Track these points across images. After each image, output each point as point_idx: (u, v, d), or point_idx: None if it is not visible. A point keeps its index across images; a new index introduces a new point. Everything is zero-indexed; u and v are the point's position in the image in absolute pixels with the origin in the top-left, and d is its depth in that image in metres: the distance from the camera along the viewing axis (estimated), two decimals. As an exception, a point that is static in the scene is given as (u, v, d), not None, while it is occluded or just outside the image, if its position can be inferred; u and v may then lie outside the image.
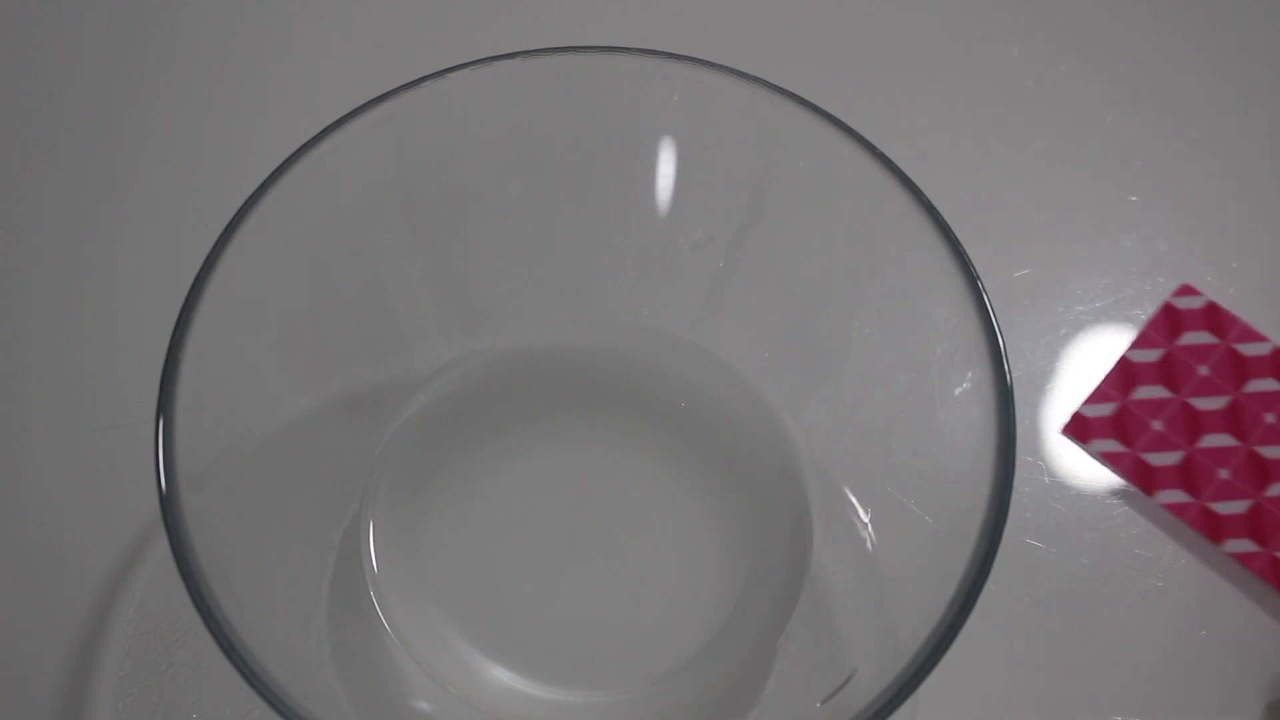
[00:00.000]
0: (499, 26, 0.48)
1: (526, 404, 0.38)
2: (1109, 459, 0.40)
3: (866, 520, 0.36)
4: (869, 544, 0.35)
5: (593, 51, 0.34)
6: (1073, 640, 0.38)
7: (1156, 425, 0.40)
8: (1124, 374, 0.41)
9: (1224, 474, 0.39)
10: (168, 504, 0.27)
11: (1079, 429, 0.41)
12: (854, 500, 0.36)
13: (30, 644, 0.37)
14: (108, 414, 0.40)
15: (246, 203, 0.31)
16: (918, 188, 0.31)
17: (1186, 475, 0.40)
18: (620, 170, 0.37)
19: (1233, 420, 0.40)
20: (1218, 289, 0.43)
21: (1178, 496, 0.39)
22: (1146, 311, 0.42)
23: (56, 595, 0.37)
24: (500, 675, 0.34)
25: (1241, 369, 0.41)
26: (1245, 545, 0.39)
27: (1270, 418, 0.40)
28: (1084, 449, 0.41)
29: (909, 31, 0.48)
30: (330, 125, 0.32)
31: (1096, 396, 0.41)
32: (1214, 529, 0.39)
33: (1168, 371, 0.41)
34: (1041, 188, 0.45)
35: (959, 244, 0.31)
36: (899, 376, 0.37)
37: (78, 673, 0.36)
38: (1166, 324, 0.42)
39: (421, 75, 0.33)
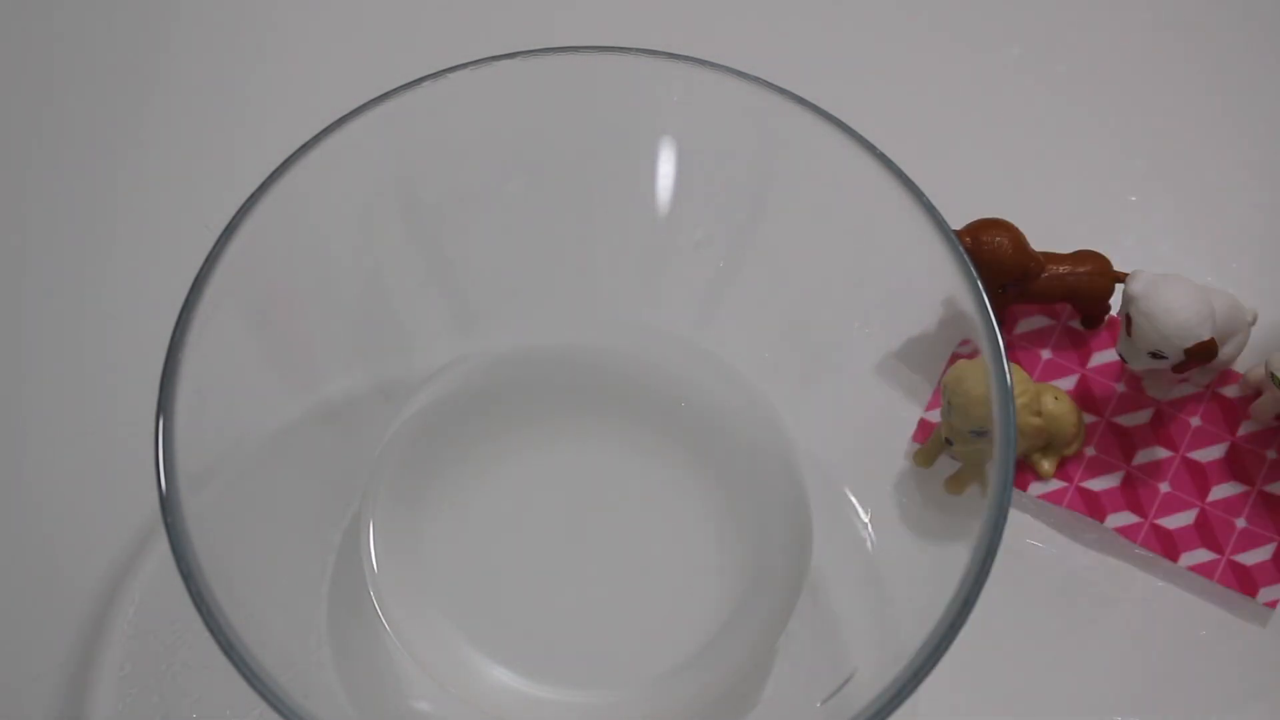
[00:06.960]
0: (499, 26, 0.48)
1: (526, 404, 0.38)
2: (1050, 499, 0.38)
3: (866, 520, 0.36)
4: (869, 544, 0.36)
5: (593, 51, 0.34)
6: (1073, 640, 0.38)
7: (1089, 451, 0.39)
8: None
9: (1164, 487, 0.39)
10: (168, 504, 0.27)
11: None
12: (854, 500, 0.36)
13: (30, 644, 0.37)
14: (108, 414, 0.40)
15: (246, 203, 0.31)
16: (918, 188, 0.31)
17: (1129, 495, 0.39)
18: (620, 170, 0.37)
19: (1161, 431, 0.39)
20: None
21: (1126, 519, 0.38)
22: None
23: (56, 595, 0.38)
24: (500, 675, 0.34)
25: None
26: (1202, 555, 0.38)
27: (1196, 421, 0.39)
28: (1022, 495, 0.39)
29: (909, 32, 0.48)
30: (330, 125, 0.32)
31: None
32: (1168, 546, 0.38)
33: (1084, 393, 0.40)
34: (1042, 188, 0.45)
35: (959, 244, 0.31)
36: (899, 376, 0.37)
37: (78, 673, 0.36)
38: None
39: (421, 75, 0.33)
